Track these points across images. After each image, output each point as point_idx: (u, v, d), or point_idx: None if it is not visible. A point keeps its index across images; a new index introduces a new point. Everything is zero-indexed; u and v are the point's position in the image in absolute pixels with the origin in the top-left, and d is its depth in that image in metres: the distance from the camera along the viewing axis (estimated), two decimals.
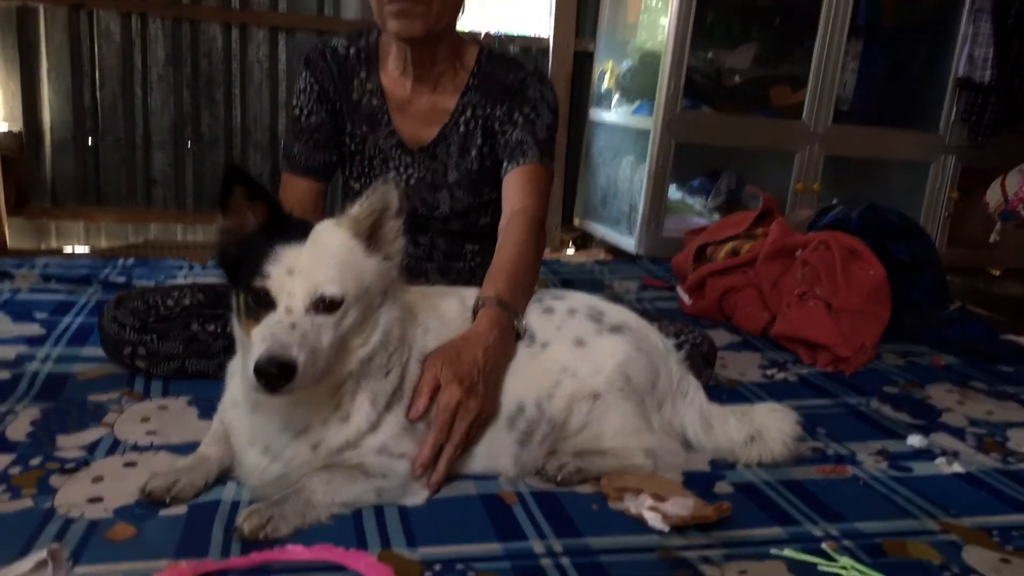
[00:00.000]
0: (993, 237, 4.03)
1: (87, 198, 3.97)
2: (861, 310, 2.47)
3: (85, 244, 3.94)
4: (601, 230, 4.32)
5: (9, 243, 3.78)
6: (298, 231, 1.41)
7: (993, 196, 3.94)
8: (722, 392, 2.18)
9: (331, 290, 1.36)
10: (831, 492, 1.67)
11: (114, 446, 1.66)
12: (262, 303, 1.34)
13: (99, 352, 2.07)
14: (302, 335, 1.31)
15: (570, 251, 4.44)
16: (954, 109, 4.19)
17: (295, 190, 2.13)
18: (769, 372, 2.39)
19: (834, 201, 3.06)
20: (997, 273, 4.54)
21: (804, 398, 2.21)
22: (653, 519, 1.48)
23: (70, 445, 1.65)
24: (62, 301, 2.58)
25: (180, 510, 1.43)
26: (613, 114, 4.20)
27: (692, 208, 4.21)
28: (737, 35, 4.16)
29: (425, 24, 1.93)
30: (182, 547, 1.32)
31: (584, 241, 4.54)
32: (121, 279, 2.87)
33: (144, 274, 2.97)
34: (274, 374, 1.27)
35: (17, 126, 3.82)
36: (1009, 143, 4.11)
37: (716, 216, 4.05)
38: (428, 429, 1.56)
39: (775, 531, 1.51)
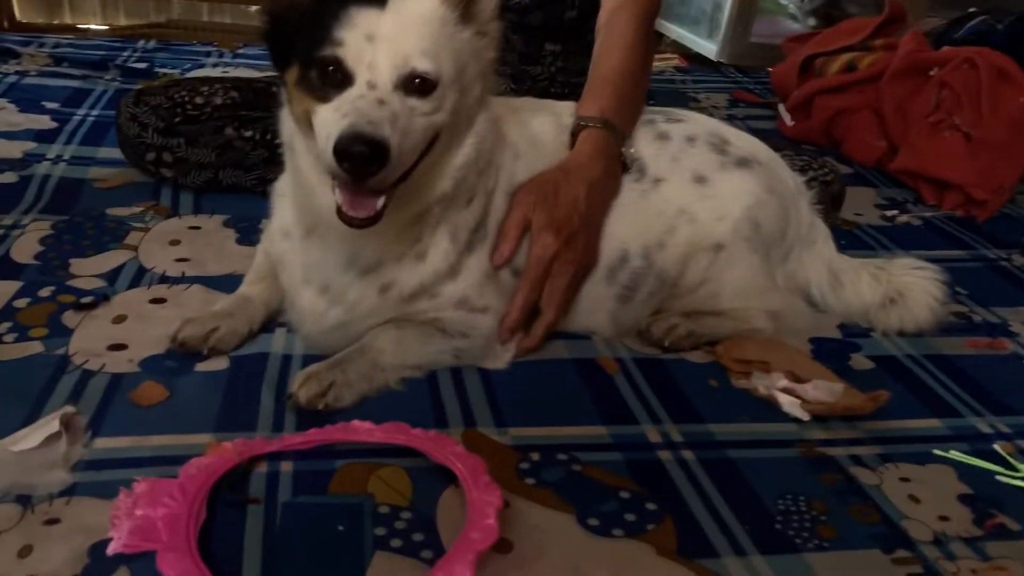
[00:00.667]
0: None
1: None
2: (1006, 144, 2.08)
3: (102, 21, 3.53)
4: (676, 31, 3.82)
5: (18, 15, 3.38)
6: None
7: None
8: (840, 236, 1.84)
9: (424, 65, 1.03)
10: (990, 374, 1.40)
11: (139, 275, 1.39)
12: (332, 79, 1.02)
13: (119, 154, 1.77)
14: (393, 114, 0.99)
15: None
16: None
17: None
18: (889, 213, 2.06)
19: (971, 9, 2.57)
20: None
21: (934, 248, 1.89)
22: (789, 404, 1.22)
23: (87, 272, 1.38)
24: (76, 88, 2.25)
25: (220, 364, 1.19)
26: None
27: (785, 9, 3.68)
28: None
29: None
30: (223, 417, 1.08)
31: (655, 41, 4.05)
32: (142, 65, 2.51)
33: (167, 60, 2.61)
34: (364, 154, 0.95)
35: None
36: None
37: (813, 21, 3.54)
38: (516, 280, 1.27)
39: (932, 423, 1.25)
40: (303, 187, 1.15)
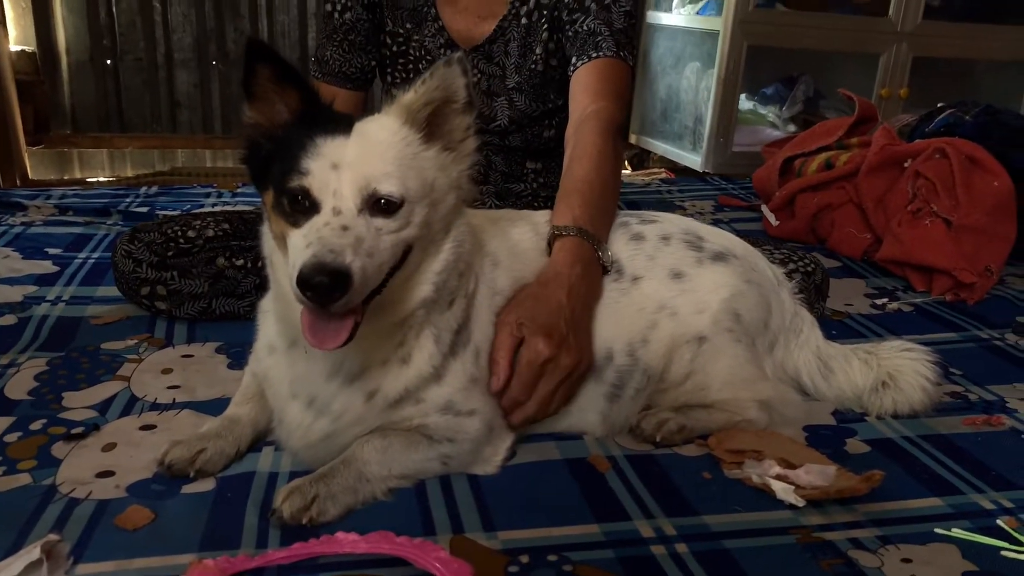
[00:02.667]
0: None
1: (109, 124, 3.73)
2: (985, 228, 2.12)
3: (110, 173, 3.69)
4: (661, 147, 3.97)
5: (31, 174, 3.54)
6: (340, 122, 1.12)
7: None
8: (829, 327, 1.87)
9: (387, 187, 1.07)
10: (989, 450, 1.38)
11: (130, 404, 1.41)
12: (301, 206, 1.06)
13: (116, 292, 1.82)
14: (356, 239, 1.03)
15: (626, 171, 4.10)
16: None
17: (328, 99, 1.83)
18: (879, 302, 2.07)
19: (940, 104, 2.67)
20: None
21: (926, 332, 1.89)
22: (783, 491, 1.20)
23: (79, 404, 1.40)
24: (79, 235, 2.33)
25: (206, 486, 1.18)
26: (674, 15, 3.80)
27: (765, 118, 3.83)
28: None
29: None
30: (208, 536, 1.07)
31: (641, 159, 4.19)
32: (143, 209, 2.61)
33: (168, 203, 2.71)
34: (324, 284, 0.98)
35: (31, 46, 3.54)
36: None
37: (792, 127, 3.67)
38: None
39: (933, 502, 1.23)
40: (283, 300, 1.18)
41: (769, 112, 3.82)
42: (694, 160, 3.65)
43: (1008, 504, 1.22)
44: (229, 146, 3.80)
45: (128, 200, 2.72)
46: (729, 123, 3.52)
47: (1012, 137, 2.41)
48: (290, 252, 1.06)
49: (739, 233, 2.41)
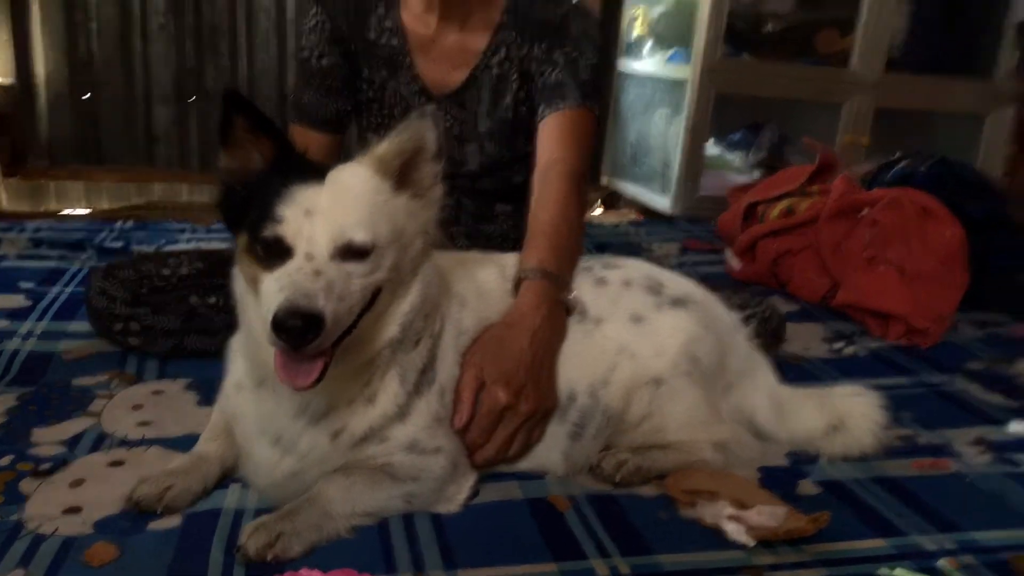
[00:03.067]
0: None
1: (86, 157, 3.74)
2: (938, 275, 2.20)
3: (86, 206, 3.70)
4: (632, 189, 4.05)
5: (5, 205, 3.56)
6: (314, 170, 1.17)
7: None
8: (786, 370, 1.91)
9: (359, 235, 1.12)
10: (935, 492, 1.43)
11: (99, 440, 1.43)
12: (275, 251, 1.11)
13: (88, 327, 1.84)
14: (328, 283, 1.08)
15: (598, 211, 4.18)
16: (1012, 57, 3.86)
17: (305, 144, 1.87)
18: (836, 346, 2.14)
19: (897, 155, 2.78)
20: None
21: (879, 376, 1.95)
22: (735, 531, 1.25)
23: (48, 440, 1.42)
24: (52, 269, 2.35)
25: (173, 522, 1.21)
26: (645, 63, 3.91)
27: (731, 164, 3.92)
28: None
29: None
30: (174, 573, 1.10)
31: (613, 200, 4.27)
32: (118, 244, 2.63)
33: (143, 238, 2.73)
34: (297, 327, 1.03)
35: (9, 79, 3.57)
36: None
37: (757, 173, 3.77)
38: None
39: (879, 543, 1.27)
40: (253, 340, 1.22)
41: (735, 158, 3.92)
42: (663, 203, 3.74)
43: (950, 545, 1.27)
44: (206, 181, 3.83)
45: (103, 234, 2.74)
46: (696, 168, 3.61)
47: (965, 188, 2.51)
48: (263, 295, 1.10)
49: (703, 276, 2.48)
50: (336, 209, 1.12)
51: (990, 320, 2.41)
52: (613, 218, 3.83)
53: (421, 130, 1.21)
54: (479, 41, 1.85)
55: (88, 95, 3.67)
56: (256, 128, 1.16)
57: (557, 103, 1.77)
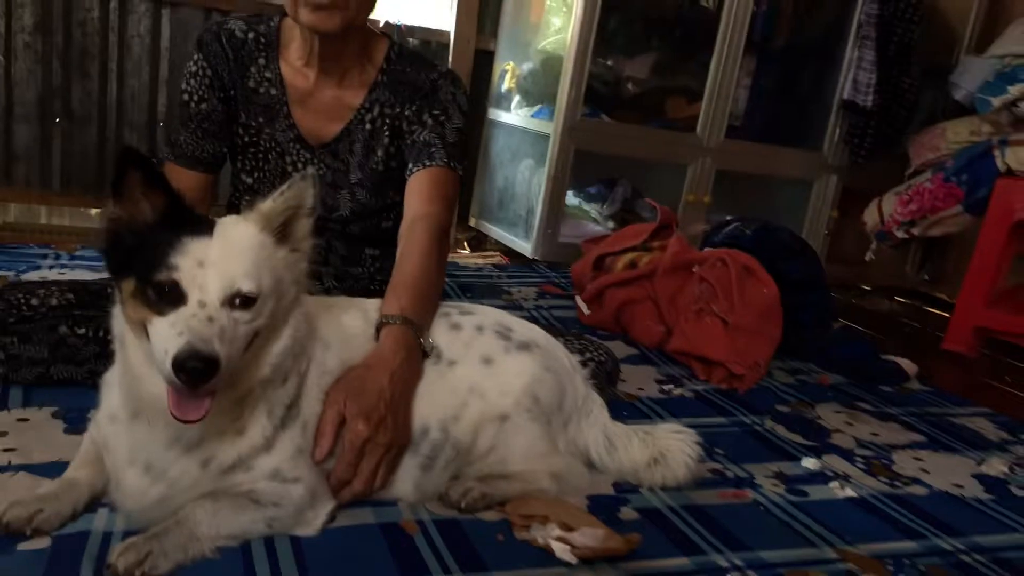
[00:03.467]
0: (869, 255, 4.23)
1: None
2: (755, 328, 2.50)
3: None
4: (497, 231, 4.27)
5: None
6: (202, 224, 1.29)
7: (871, 217, 4.14)
8: (621, 407, 2.16)
9: (247, 285, 1.25)
10: (733, 518, 1.67)
11: None
12: (168, 297, 1.21)
13: None
14: (221, 329, 1.20)
15: (465, 251, 4.37)
16: (837, 131, 4.34)
17: (179, 181, 1.94)
18: (666, 387, 2.39)
19: (728, 217, 3.10)
20: (868, 289, 4.75)
21: (701, 415, 2.21)
22: (561, 551, 1.43)
23: None
24: None
25: (42, 543, 1.28)
26: (513, 115, 4.15)
27: (589, 214, 4.21)
28: (637, 44, 4.18)
29: (344, 19, 1.84)
30: None
31: (479, 242, 4.47)
32: None
33: (4, 263, 2.70)
34: (198, 369, 1.15)
35: None
36: (886, 167, 4.29)
37: (611, 224, 4.07)
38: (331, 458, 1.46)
39: (682, 561, 1.49)
40: (132, 376, 1.31)
41: (592, 209, 4.21)
42: (525, 247, 3.96)
43: (739, 562, 1.51)
44: (68, 203, 3.77)
45: None
46: (557, 216, 3.87)
47: (783, 250, 2.85)
48: (156, 337, 1.20)
49: (557, 319, 2.71)
50: (226, 261, 1.24)
51: (802, 369, 2.75)
52: (479, 260, 4.03)
53: (303, 190, 1.35)
54: (355, 97, 2.01)
55: None
56: (150, 182, 1.25)
57: (425, 161, 1.94)
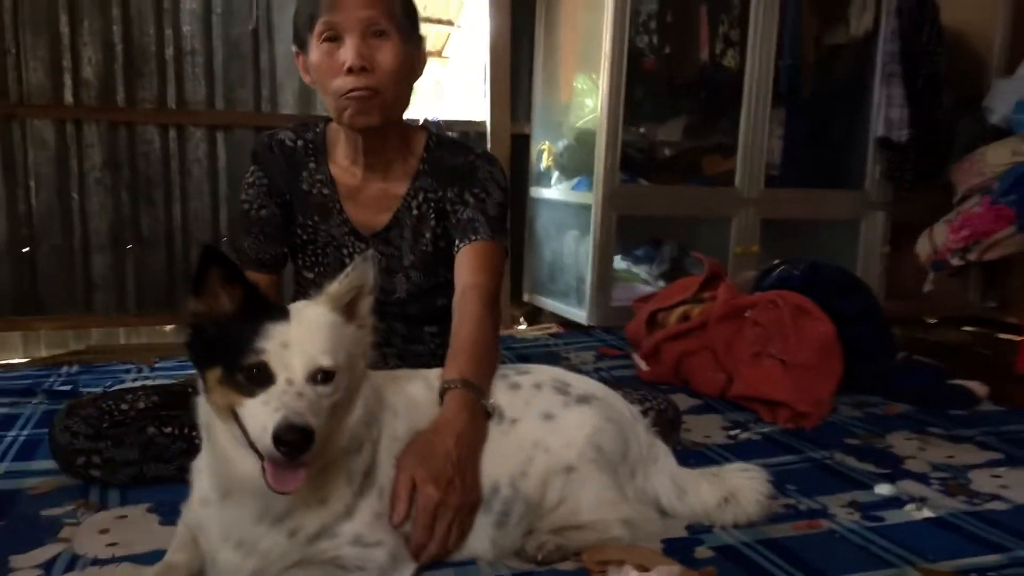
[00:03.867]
0: (927, 287, 4.20)
1: (25, 307, 3.86)
2: (815, 365, 2.52)
3: (23, 355, 3.81)
4: (551, 304, 4.36)
5: None
6: (278, 310, 1.40)
7: (923, 248, 4.12)
8: (689, 456, 2.18)
9: (327, 361, 1.34)
10: (810, 548, 1.67)
11: (72, 562, 1.58)
12: (257, 379, 1.31)
13: (50, 465, 1.99)
14: (310, 403, 1.30)
15: (522, 326, 4.46)
16: (877, 168, 4.37)
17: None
18: (732, 433, 2.41)
19: (775, 261, 3.15)
20: (934, 322, 4.69)
21: (770, 456, 2.22)
22: None
23: (25, 564, 1.56)
24: (5, 415, 2.48)
25: None
26: (554, 191, 4.29)
27: (638, 276, 4.28)
28: (666, 110, 4.31)
29: (381, 114, 1.98)
30: None
31: (535, 316, 4.56)
32: (67, 387, 2.77)
33: (91, 381, 2.88)
34: (296, 440, 1.24)
35: None
36: (932, 196, 4.29)
37: (662, 283, 4.12)
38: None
39: None
40: (222, 459, 1.41)
41: (641, 271, 4.28)
42: (579, 315, 4.04)
43: None
44: (143, 323, 3.99)
45: (51, 380, 2.88)
46: (607, 282, 3.94)
47: (834, 288, 2.87)
48: (250, 417, 1.30)
49: (616, 379, 2.76)
50: (306, 341, 1.34)
51: (867, 402, 2.73)
52: (535, 332, 4.11)
53: (365, 271, 1.46)
54: (400, 188, 2.14)
55: (27, 248, 3.83)
56: (228, 277, 1.37)
57: (471, 236, 2.05)
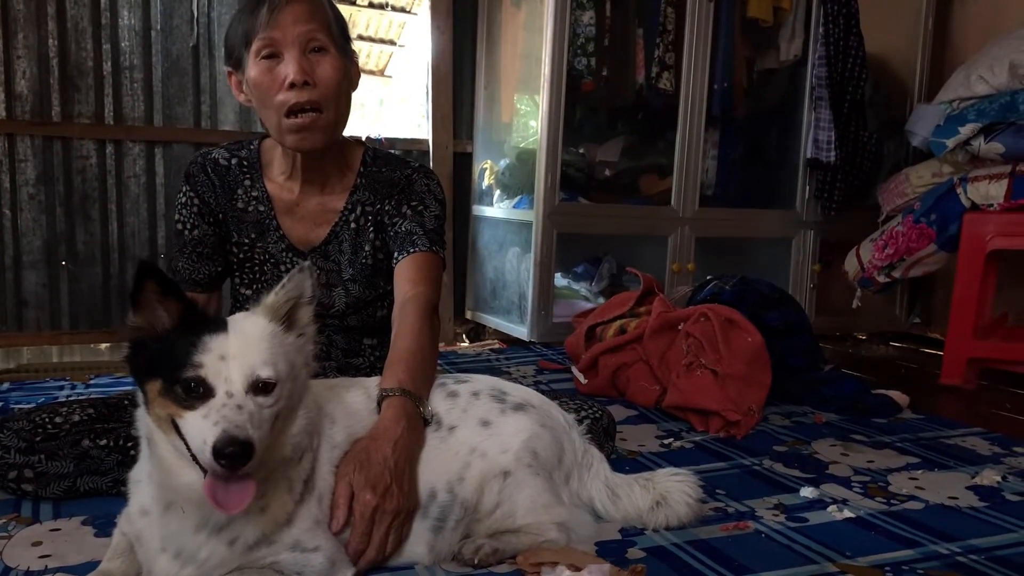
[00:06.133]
0: (855, 303, 4.35)
1: None
2: (745, 375, 2.60)
3: None
4: (493, 321, 4.40)
5: None
6: (217, 323, 1.42)
7: (851, 265, 4.28)
8: (624, 464, 2.24)
9: (266, 372, 1.36)
10: (736, 547, 1.74)
11: (5, 573, 1.56)
12: (196, 392, 1.32)
13: None
14: (250, 415, 1.31)
15: (464, 343, 4.49)
16: (808, 188, 4.52)
17: None
18: (666, 442, 2.48)
19: (708, 277, 3.25)
20: (863, 337, 4.85)
21: (702, 463, 2.29)
22: None
23: None
24: None
25: None
26: (496, 209, 4.35)
27: (578, 293, 4.35)
28: (605, 130, 4.42)
29: (324, 138, 2.02)
30: None
31: (478, 333, 4.60)
32: None
33: (22, 398, 2.82)
34: (236, 453, 1.26)
35: None
36: (859, 216, 4.47)
37: (601, 299, 4.20)
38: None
39: None
40: (163, 471, 1.41)
41: (582, 287, 4.36)
42: (521, 331, 4.09)
43: None
44: (77, 341, 3.92)
45: None
46: (547, 299, 4.01)
47: (763, 301, 2.98)
48: (191, 430, 1.31)
49: (555, 391, 2.81)
50: (245, 352, 1.36)
51: (797, 411, 2.84)
52: (477, 348, 4.14)
53: (301, 280, 1.48)
54: (338, 202, 2.17)
55: None
56: (164, 291, 1.38)
57: (409, 249, 2.09)
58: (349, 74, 2.08)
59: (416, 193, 2.16)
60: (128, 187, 3.98)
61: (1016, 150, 3.62)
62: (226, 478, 1.30)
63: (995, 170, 3.68)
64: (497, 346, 4.15)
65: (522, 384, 1.97)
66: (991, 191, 3.66)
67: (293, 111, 1.96)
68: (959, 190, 3.79)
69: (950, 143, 3.94)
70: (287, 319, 1.47)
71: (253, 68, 1.99)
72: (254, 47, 1.98)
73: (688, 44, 4.11)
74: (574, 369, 3.07)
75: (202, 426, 1.30)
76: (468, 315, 4.63)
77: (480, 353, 3.76)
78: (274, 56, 1.97)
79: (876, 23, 4.58)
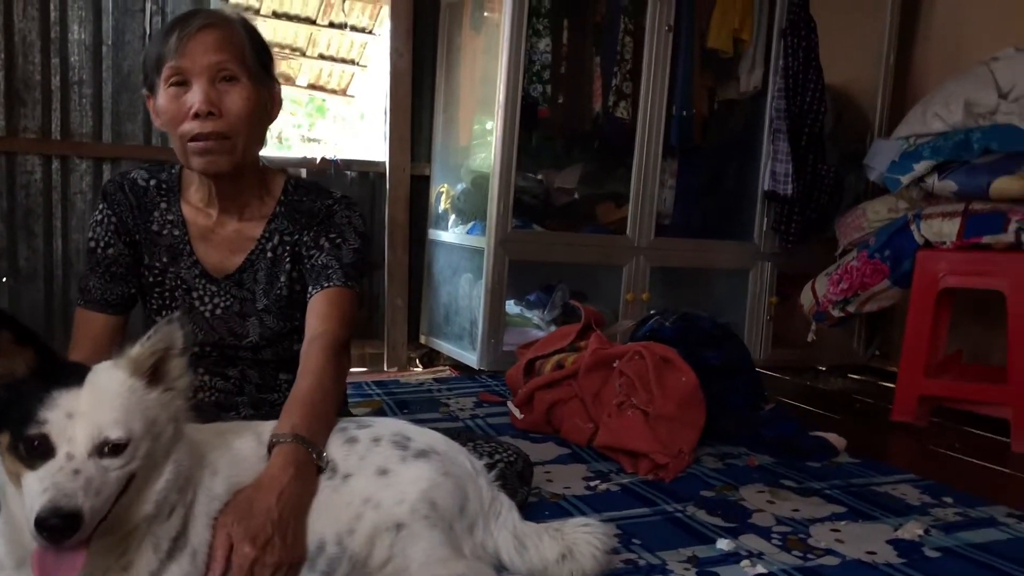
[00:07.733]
0: (810, 337, 4.32)
1: None
2: (676, 416, 2.55)
3: None
4: (446, 346, 4.35)
5: None
6: (74, 375, 1.34)
7: (806, 299, 4.25)
8: (545, 507, 2.18)
9: (115, 432, 1.29)
10: None
11: None
12: (38, 451, 1.26)
13: None
14: (87, 481, 1.24)
15: (417, 368, 4.43)
16: (766, 220, 4.50)
17: (90, 325, 2.06)
18: (593, 484, 2.42)
19: (651, 311, 3.20)
20: (823, 369, 4.82)
21: (625, 508, 2.23)
22: None
23: None
24: None
25: None
26: (450, 234, 4.30)
27: (531, 321, 4.30)
28: (563, 157, 4.39)
29: (231, 160, 1.96)
30: None
31: (432, 358, 4.54)
32: None
33: None
34: (58, 526, 1.18)
35: None
36: (816, 249, 4.45)
37: (554, 328, 4.14)
38: None
39: None
40: (14, 526, 1.35)
41: (534, 315, 4.31)
42: (471, 358, 4.03)
43: None
44: None
45: None
46: (498, 326, 3.95)
47: (704, 339, 2.93)
48: (26, 493, 1.25)
49: (492, 427, 2.76)
50: (95, 410, 1.29)
51: (731, 453, 2.78)
52: (426, 375, 4.08)
53: (170, 332, 1.41)
54: (255, 229, 2.11)
55: None
56: (21, 339, 1.32)
57: (323, 283, 2.03)
58: (264, 103, 2.03)
59: (336, 225, 2.10)
60: (74, 203, 3.91)
61: (968, 188, 3.60)
62: (54, 552, 1.23)
63: (948, 208, 3.66)
64: (448, 373, 4.08)
65: (459, 418, 1.91)
66: (944, 228, 3.64)
67: (196, 139, 1.91)
68: (913, 227, 3.77)
69: (904, 179, 3.92)
70: (152, 372, 1.41)
71: (162, 95, 1.94)
72: (164, 74, 1.93)
73: (646, 73, 4.09)
74: (510, 404, 3.01)
75: (34, 490, 1.23)
76: (422, 339, 4.57)
77: (423, 383, 3.70)
78: (182, 84, 1.92)
79: (839, 55, 4.58)
